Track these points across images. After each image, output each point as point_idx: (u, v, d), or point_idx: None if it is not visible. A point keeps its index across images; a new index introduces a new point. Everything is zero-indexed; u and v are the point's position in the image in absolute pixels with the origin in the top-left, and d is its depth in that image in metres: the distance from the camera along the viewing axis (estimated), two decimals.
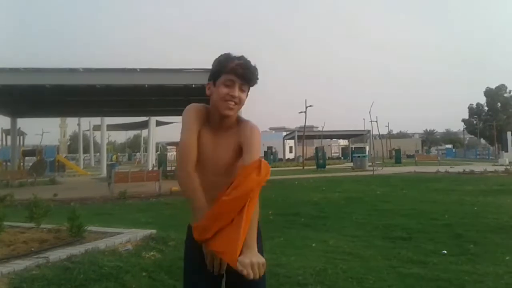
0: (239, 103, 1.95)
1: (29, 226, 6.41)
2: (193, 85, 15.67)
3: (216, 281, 1.99)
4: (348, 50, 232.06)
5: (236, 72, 1.90)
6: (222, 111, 1.92)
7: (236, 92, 1.92)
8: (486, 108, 69.89)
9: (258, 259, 1.66)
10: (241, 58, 1.94)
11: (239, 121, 2.04)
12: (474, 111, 70.93)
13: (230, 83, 1.91)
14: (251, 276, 1.61)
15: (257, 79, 1.98)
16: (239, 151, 1.95)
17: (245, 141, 1.93)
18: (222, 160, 1.96)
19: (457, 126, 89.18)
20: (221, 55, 1.98)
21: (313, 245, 6.19)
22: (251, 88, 2.00)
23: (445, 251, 5.62)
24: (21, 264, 4.54)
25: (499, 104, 67.95)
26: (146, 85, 15.49)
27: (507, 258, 5.24)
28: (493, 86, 68.89)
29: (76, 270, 4.44)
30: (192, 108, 2.00)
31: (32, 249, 5.15)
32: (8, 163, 27.16)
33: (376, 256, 5.52)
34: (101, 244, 5.44)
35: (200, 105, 2.04)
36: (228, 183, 1.86)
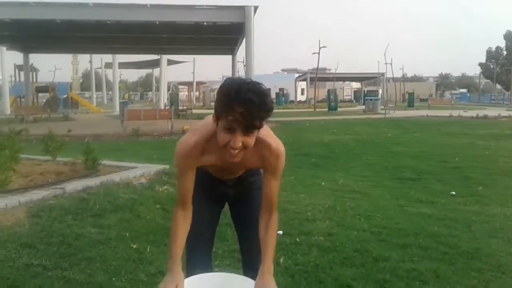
0: (246, 147, 1.69)
1: (45, 159, 6.56)
2: (205, 23, 15.36)
3: (219, 206, 2.25)
4: None
5: (237, 121, 1.62)
6: (226, 158, 1.73)
7: (238, 142, 1.65)
8: (504, 52, 67.91)
9: None
10: (246, 102, 1.59)
11: (257, 140, 1.78)
12: (493, 54, 68.95)
13: (231, 131, 1.65)
14: None
15: (269, 115, 1.68)
16: (260, 167, 1.96)
17: (272, 166, 1.88)
18: (240, 171, 2.02)
19: (474, 71, 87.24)
20: (227, 87, 1.65)
21: (323, 183, 6.27)
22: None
23: (454, 192, 5.67)
24: (38, 194, 4.69)
25: None
26: (157, 22, 15.21)
27: None
28: None
29: (92, 201, 4.60)
30: (180, 152, 1.85)
31: (49, 180, 5.31)
32: (22, 99, 27.41)
33: (385, 195, 5.60)
34: (116, 177, 5.58)
35: (190, 143, 1.84)
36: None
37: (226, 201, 2.22)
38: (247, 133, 1.65)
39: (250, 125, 1.63)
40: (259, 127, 1.67)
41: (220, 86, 1.69)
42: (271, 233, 1.93)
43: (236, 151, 1.67)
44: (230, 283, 1.83)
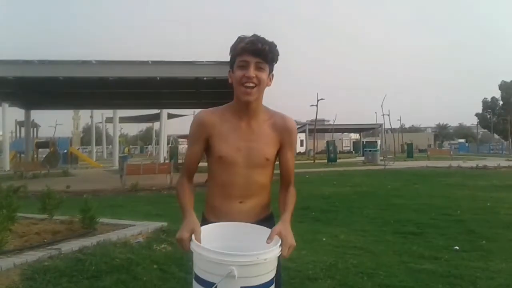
0: (259, 83, 1.81)
1: (42, 217, 6.48)
2: (205, 78, 15.68)
3: None
4: (362, 41, 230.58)
5: (247, 50, 1.78)
6: (241, 97, 1.83)
7: (252, 72, 1.78)
8: (500, 102, 68.85)
9: (294, 242, 1.75)
10: (253, 36, 1.82)
11: (271, 112, 1.98)
12: (489, 105, 69.85)
13: (244, 64, 1.79)
14: (285, 257, 1.69)
15: (277, 54, 1.85)
16: (277, 144, 1.95)
17: (290, 138, 1.97)
18: (259, 151, 1.91)
19: (471, 121, 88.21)
20: (236, 40, 1.87)
21: (324, 239, 6.18)
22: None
23: (457, 247, 5.58)
24: (33, 255, 4.59)
25: None
26: (158, 78, 15.53)
27: None
28: (508, 80, 67.74)
29: (88, 262, 4.49)
30: (195, 118, 1.96)
31: (45, 240, 5.22)
32: (22, 155, 27.47)
33: (387, 251, 5.50)
34: (113, 236, 5.49)
35: (208, 110, 1.98)
36: (260, 182, 1.93)
37: None
38: (258, 63, 1.79)
39: (261, 50, 1.78)
40: (268, 55, 1.81)
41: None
42: (290, 195, 1.98)
43: (251, 85, 1.79)
44: (248, 231, 1.80)
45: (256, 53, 1.78)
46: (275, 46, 1.84)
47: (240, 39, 1.82)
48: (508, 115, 61.27)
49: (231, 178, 1.90)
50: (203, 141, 1.92)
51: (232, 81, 1.86)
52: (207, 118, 1.92)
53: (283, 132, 1.94)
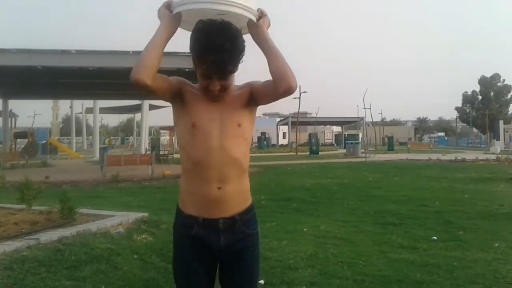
0: (225, 89, 1.80)
1: (20, 207, 6.38)
2: (187, 69, 15.54)
3: (210, 277, 1.95)
4: (343, 36, 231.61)
5: (211, 70, 1.72)
6: (209, 99, 1.83)
7: (217, 85, 1.76)
8: (480, 97, 69.92)
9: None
10: (217, 50, 1.67)
11: (236, 86, 1.94)
12: (469, 98, 70.90)
13: (208, 77, 1.76)
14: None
15: (242, 54, 1.76)
16: (247, 101, 1.90)
17: (254, 84, 1.92)
18: (231, 118, 1.85)
19: (450, 114, 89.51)
20: (197, 33, 1.74)
21: (305, 229, 6.22)
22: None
23: (435, 237, 5.68)
24: (11, 245, 4.53)
25: (492, 93, 68.01)
26: None
27: (496, 244, 5.30)
28: (488, 75, 68.83)
29: (67, 252, 4.44)
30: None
31: (23, 230, 5.15)
32: (0, 145, 26.97)
33: (367, 241, 5.57)
34: (93, 226, 5.44)
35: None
36: (236, 158, 1.85)
37: (215, 267, 1.95)
38: (222, 78, 1.75)
39: (223, 71, 1.73)
40: (233, 71, 1.77)
41: (192, 32, 1.77)
42: None
43: (217, 92, 1.78)
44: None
45: (221, 73, 1.74)
46: (241, 47, 1.75)
47: (203, 49, 1.71)
48: (487, 109, 62.37)
49: (207, 155, 1.81)
50: (177, 87, 1.88)
51: (197, 75, 1.81)
52: (186, 80, 1.93)
53: (246, 86, 1.92)
